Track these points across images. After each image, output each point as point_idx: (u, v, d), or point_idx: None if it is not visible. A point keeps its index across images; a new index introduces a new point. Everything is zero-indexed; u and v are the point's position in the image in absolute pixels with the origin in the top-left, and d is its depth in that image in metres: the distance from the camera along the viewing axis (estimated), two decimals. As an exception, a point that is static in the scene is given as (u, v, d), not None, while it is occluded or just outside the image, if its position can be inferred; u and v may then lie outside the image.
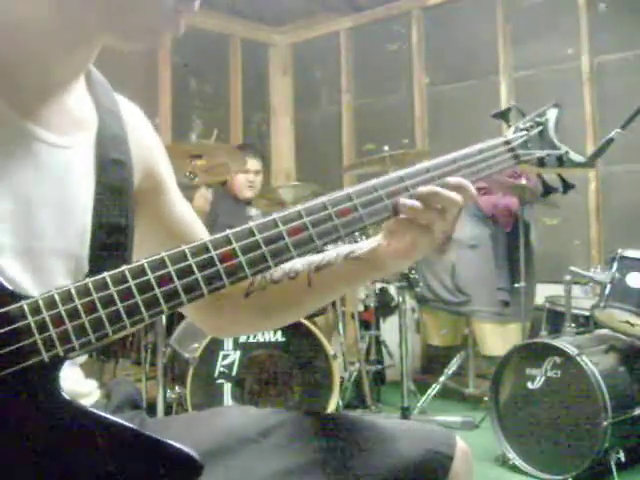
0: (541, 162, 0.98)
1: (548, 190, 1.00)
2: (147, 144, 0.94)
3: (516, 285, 3.23)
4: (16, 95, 0.76)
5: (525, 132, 0.98)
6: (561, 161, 1.00)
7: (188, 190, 3.16)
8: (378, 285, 3.84)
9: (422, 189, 0.84)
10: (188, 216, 1.00)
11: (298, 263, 0.93)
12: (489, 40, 4.29)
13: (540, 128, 0.99)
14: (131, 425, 0.69)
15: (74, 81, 0.82)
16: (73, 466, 0.67)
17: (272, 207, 3.62)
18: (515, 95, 4.23)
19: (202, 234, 0.99)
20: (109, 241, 0.82)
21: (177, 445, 0.68)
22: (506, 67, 4.25)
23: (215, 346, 2.64)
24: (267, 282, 0.94)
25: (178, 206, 0.99)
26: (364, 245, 0.92)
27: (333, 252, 0.93)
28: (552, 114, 1.01)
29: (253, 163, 3.71)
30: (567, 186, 1.01)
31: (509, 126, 0.99)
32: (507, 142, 0.96)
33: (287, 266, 0.93)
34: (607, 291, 2.61)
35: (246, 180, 3.71)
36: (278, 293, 0.94)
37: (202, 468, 0.68)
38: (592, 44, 3.92)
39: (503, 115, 1.01)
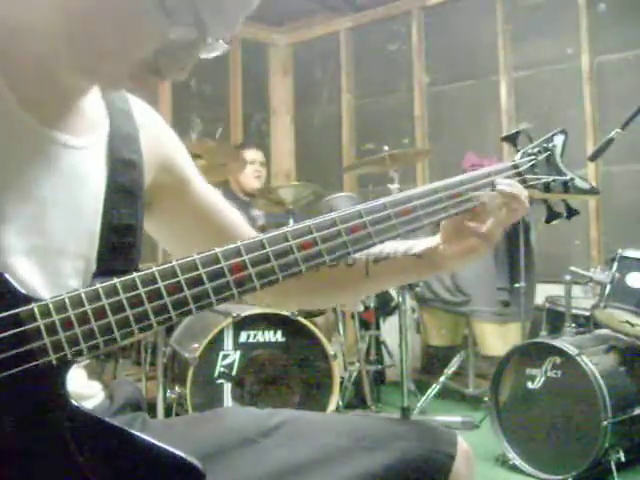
0: (547, 187, 1.01)
1: (553, 216, 1.02)
2: (161, 140, 0.94)
3: (516, 285, 3.23)
4: (29, 96, 0.76)
5: (533, 157, 1.00)
6: (566, 187, 1.02)
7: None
8: (378, 285, 3.83)
9: (505, 184, 0.92)
10: (221, 204, 1.00)
11: None
12: (489, 40, 4.29)
13: (547, 154, 1.02)
14: (135, 432, 0.69)
15: (88, 86, 0.83)
16: (75, 470, 0.67)
17: (272, 207, 3.62)
18: (515, 95, 4.23)
19: (238, 221, 1.00)
20: (118, 242, 0.82)
21: (181, 454, 0.68)
22: (506, 67, 4.25)
23: (215, 346, 2.64)
24: None
25: (207, 195, 0.99)
26: (423, 243, 0.97)
27: (392, 247, 0.97)
28: (559, 140, 1.04)
29: (257, 154, 3.83)
30: (571, 212, 1.03)
31: (517, 150, 1.02)
32: (515, 166, 0.99)
33: None
34: (607, 291, 2.60)
35: (253, 170, 3.78)
36: (332, 277, 0.98)
37: (204, 477, 0.68)
38: (592, 44, 3.91)
39: (511, 139, 1.03)
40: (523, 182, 0.97)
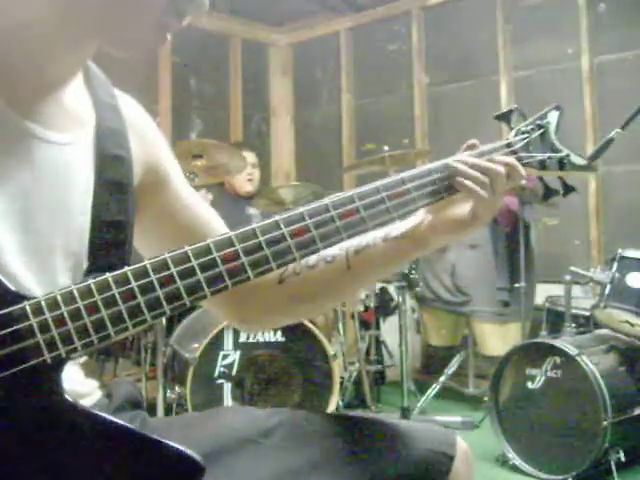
0: (542, 165, 0.98)
1: (549, 193, 1.00)
2: (148, 138, 0.93)
3: (516, 285, 3.23)
4: (13, 93, 0.75)
5: (527, 135, 0.98)
6: (562, 164, 1.00)
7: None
8: (378, 285, 3.84)
9: (473, 160, 0.89)
10: (201, 208, 0.99)
11: (335, 247, 0.90)
12: (489, 40, 4.29)
13: (542, 131, 0.99)
14: (134, 427, 0.69)
15: (71, 78, 0.82)
16: (75, 467, 0.67)
17: (272, 207, 3.62)
18: (515, 95, 4.23)
19: (218, 227, 0.98)
20: (108, 238, 0.81)
21: (179, 447, 0.68)
22: (506, 67, 4.25)
23: (215, 346, 2.64)
24: (302, 267, 0.93)
25: (188, 199, 0.97)
26: (403, 225, 0.93)
27: (370, 235, 0.92)
28: (553, 117, 1.02)
29: (250, 156, 3.74)
30: (568, 189, 1.01)
31: (511, 128, 1.00)
32: (509, 145, 0.96)
33: (324, 251, 0.93)
34: (607, 291, 2.60)
35: (245, 174, 3.72)
36: (315, 278, 0.93)
37: (204, 470, 0.68)
38: (592, 44, 3.91)
39: (505, 117, 1.01)
40: (518, 160, 0.95)
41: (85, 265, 0.80)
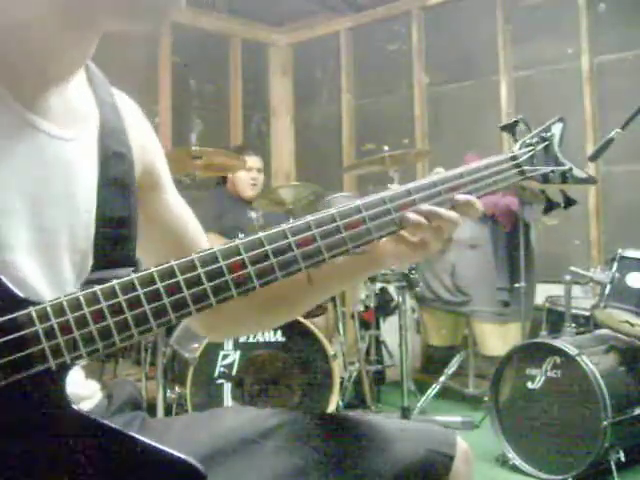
0: (545, 178, 0.99)
1: (551, 206, 1.01)
2: (145, 141, 0.93)
3: (516, 285, 3.23)
4: (17, 86, 0.76)
5: (531, 147, 0.99)
6: (565, 177, 1.00)
7: (188, 190, 3.15)
8: (378, 285, 3.84)
9: (423, 207, 0.86)
10: (185, 216, 1.00)
11: None
12: (489, 40, 4.29)
13: (546, 143, 1.00)
14: (135, 435, 0.69)
15: (72, 76, 0.82)
16: (76, 474, 0.67)
17: (272, 207, 3.61)
18: (515, 95, 4.23)
19: (198, 235, 0.99)
20: (113, 234, 0.82)
21: (181, 455, 0.68)
22: (506, 67, 4.25)
23: (215, 346, 2.64)
24: None
25: (176, 205, 0.98)
26: None
27: None
28: (557, 129, 1.03)
29: (255, 161, 3.71)
30: (569, 202, 1.01)
31: (515, 140, 1.00)
32: (513, 157, 0.97)
33: None
34: (607, 291, 2.60)
35: (249, 178, 3.69)
36: (277, 290, 0.92)
37: (205, 478, 0.68)
38: (592, 44, 3.92)
39: (510, 128, 1.02)
40: (522, 174, 0.96)
41: (91, 262, 0.80)
